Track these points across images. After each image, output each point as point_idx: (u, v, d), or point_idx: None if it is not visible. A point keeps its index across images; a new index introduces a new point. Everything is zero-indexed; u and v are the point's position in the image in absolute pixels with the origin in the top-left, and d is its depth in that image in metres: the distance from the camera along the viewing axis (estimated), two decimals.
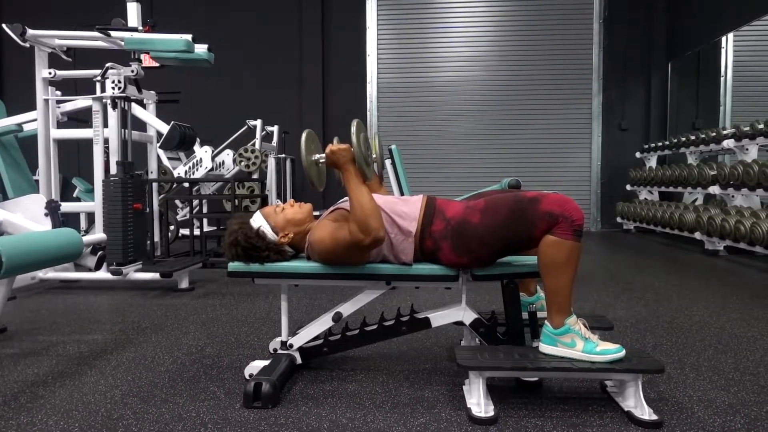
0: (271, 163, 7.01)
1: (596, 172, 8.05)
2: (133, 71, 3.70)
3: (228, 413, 1.74)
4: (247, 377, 1.99)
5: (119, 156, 3.71)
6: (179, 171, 6.32)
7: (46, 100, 3.76)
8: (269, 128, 7.29)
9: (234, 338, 2.57)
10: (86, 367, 2.19)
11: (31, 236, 1.99)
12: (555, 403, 1.79)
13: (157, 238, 5.26)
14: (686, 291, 3.56)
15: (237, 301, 3.36)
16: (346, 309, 2.05)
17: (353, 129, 1.88)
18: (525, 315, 2.04)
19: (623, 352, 1.72)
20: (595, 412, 1.72)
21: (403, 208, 1.95)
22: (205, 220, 5.37)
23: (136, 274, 3.70)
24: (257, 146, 6.84)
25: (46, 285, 3.80)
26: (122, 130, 3.72)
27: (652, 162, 7.23)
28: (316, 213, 2.16)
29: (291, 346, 2.07)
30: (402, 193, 3.81)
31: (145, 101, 5.17)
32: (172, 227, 5.61)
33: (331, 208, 2.05)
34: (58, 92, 4.40)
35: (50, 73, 3.70)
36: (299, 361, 2.07)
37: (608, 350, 1.72)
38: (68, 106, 4.80)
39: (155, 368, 2.17)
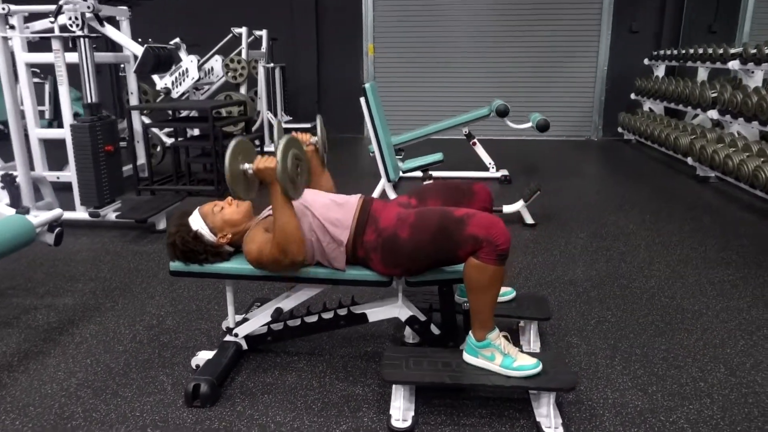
0: (261, 72, 6.79)
1: (602, 77, 7.70)
2: (89, 6, 3.49)
3: (169, 412, 1.88)
4: (194, 367, 2.12)
5: (85, 98, 3.62)
6: (165, 82, 6.16)
7: (4, 38, 3.60)
8: (257, 33, 6.96)
9: (195, 305, 2.68)
10: (51, 345, 2.33)
11: None
12: (475, 407, 1.90)
13: (142, 161, 5.29)
14: (657, 239, 3.57)
15: None
16: (287, 304, 2.12)
17: (280, 147, 1.80)
18: None
19: (539, 368, 1.79)
20: (509, 420, 1.83)
21: (336, 215, 1.94)
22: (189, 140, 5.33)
23: (114, 215, 3.78)
24: (243, 55, 6.59)
25: None
26: (85, 70, 3.59)
27: (660, 71, 6.86)
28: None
29: (237, 335, 2.17)
30: (377, 138, 3.73)
31: (117, 18, 4.93)
32: (159, 148, 5.60)
33: (267, 211, 2.04)
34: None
35: (3, 9, 3.50)
36: (245, 347, 2.19)
37: (525, 366, 1.79)
38: (37, 26, 4.60)
39: (114, 347, 2.30)
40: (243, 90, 6.69)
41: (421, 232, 1.81)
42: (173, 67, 6.13)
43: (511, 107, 4.99)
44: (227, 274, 2.03)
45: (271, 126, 6.93)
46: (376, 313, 2.09)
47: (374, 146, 3.79)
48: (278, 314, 2.09)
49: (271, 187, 1.83)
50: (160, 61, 4.78)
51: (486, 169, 5.25)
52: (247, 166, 1.87)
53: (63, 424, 1.83)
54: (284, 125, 6.86)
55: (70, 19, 3.52)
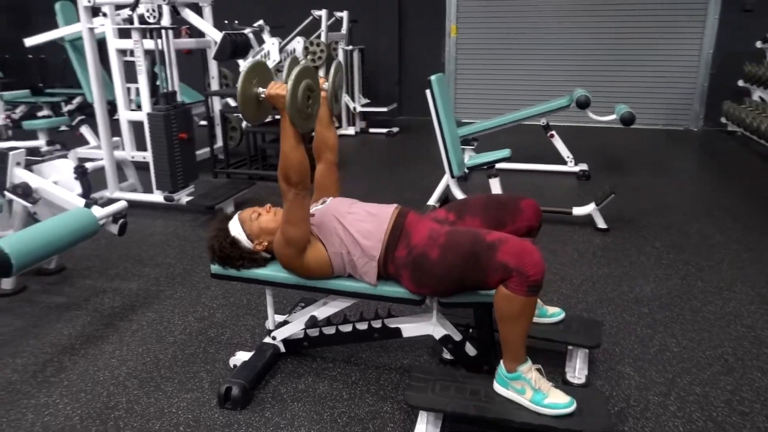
0: (340, 54, 6.80)
1: (706, 60, 7.02)
2: None
3: (202, 412, 1.95)
4: (232, 366, 2.18)
5: (161, 87, 3.78)
6: (246, 65, 6.32)
7: (91, 29, 3.82)
8: (338, 14, 6.95)
9: (246, 300, 2.76)
10: (111, 330, 2.49)
11: (40, 228, 2.19)
12: None
13: (220, 143, 5.49)
14: (745, 255, 3.22)
15: None
16: (322, 312, 2.11)
17: (292, 76, 1.71)
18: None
19: (572, 408, 1.67)
20: None
21: (368, 226, 1.90)
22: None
23: (186, 199, 3.96)
24: (323, 38, 6.61)
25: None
26: (162, 61, 3.74)
27: None
28: None
29: (275, 338, 2.21)
30: (441, 131, 3.61)
31: (200, 4, 5.09)
32: (237, 132, 5.78)
33: None
34: None
35: (89, 1, 3.70)
36: (283, 350, 2.22)
37: (556, 404, 1.68)
38: (124, 14, 4.83)
39: (165, 338, 2.42)
40: (321, 73, 6.73)
41: (450, 255, 1.73)
42: (255, 50, 6.30)
43: (598, 95, 4.68)
44: (263, 280, 2.05)
45: (348, 110, 6.95)
46: (411, 329, 2.04)
47: (438, 140, 3.68)
48: (312, 323, 2.10)
49: (281, 116, 1.79)
50: (237, 47, 4.90)
51: (564, 162, 4.98)
52: (260, 90, 1.82)
53: (107, 414, 1.95)
54: (360, 109, 6.86)
55: (147, 11, 3.67)
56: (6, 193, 2.64)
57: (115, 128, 4.24)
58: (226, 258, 2.03)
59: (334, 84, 2.12)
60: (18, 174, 2.68)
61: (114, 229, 2.61)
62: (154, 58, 4.12)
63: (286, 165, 1.78)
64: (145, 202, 4.10)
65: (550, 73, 7.49)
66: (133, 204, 4.14)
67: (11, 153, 2.66)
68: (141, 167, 4.40)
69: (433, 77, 3.59)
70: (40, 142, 4.09)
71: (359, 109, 6.87)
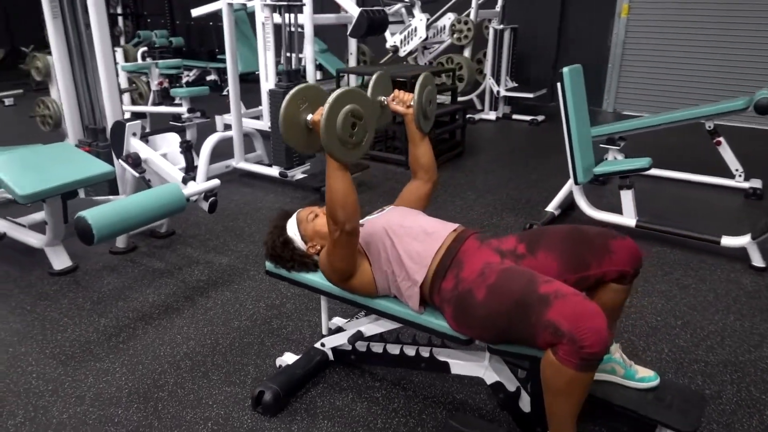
0: (491, 34, 6.39)
1: None
2: None
3: (234, 411, 1.91)
4: (277, 366, 2.11)
5: (284, 63, 3.81)
6: (394, 41, 6.23)
7: (229, 4, 3.95)
8: None
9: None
10: (188, 304, 2.57)
11: (125, 203, 2.29)
12: None
13: None
14: None
15: None
16: (369, 329, 1.94)
17: (328, 102, 1.49)
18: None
19: None
20: None
21: (418, 247, 1.67)
22: None
23: (300, 176, 4.00)
24: (472, 16, 6.26)
25: (238, 172, 4.39)
26: (286, 37, 3.75)
27: None
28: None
29: (324, 345, 2.09)
30: (569, 131, 3.18)
31: None
32: None
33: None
34: None
35: None
36: (332, 358, 2.10)
37: None
38: None
39: (231, 322, 2.43)
40: (467, 53, 6.41)
41: (497, 300, 1.44)
42: (405, 25, 6.16)
43: None
44: (311, 286, 1.92)
45: (492, 94, 6.55)
46: (460, 367, 1.79)
47: (565, 140, 3.25)
48: (355, 338, 1.94)
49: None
50: (374, 23, 4.79)
51: (730, 176, 4.17)
52: (309, 117, 1.65)
53: (152, 393, 1.99)
54: (504, 93, 6.43)
55: None
56: (120, 161, 2.82)
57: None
58: (278, 257, 1.93)
59: (420, 99, 1.91)
60: (133, 144, 2.85)
61: (204, 206, 2.67)
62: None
63: (331, 200, 1.59)
64: (264, 175, 4.21)
65: (729, 68, 6.34)
66: (253, 175, 4.31)
67: (128, 124, 2.83)
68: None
69: (566, 69, 3.15)
70: (182, 109, 4.38)
71: (503, 93, 6.44)
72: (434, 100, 2.03)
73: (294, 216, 1.97)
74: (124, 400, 1.96)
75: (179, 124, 4.65)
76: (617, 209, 3.31)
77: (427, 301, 1.69)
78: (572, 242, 1.64)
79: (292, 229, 1.93)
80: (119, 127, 2.86)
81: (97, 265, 2.93)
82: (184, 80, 8.26)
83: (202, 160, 4.18)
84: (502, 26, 6.33)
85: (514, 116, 6.55)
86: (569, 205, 3.54)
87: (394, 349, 1.93)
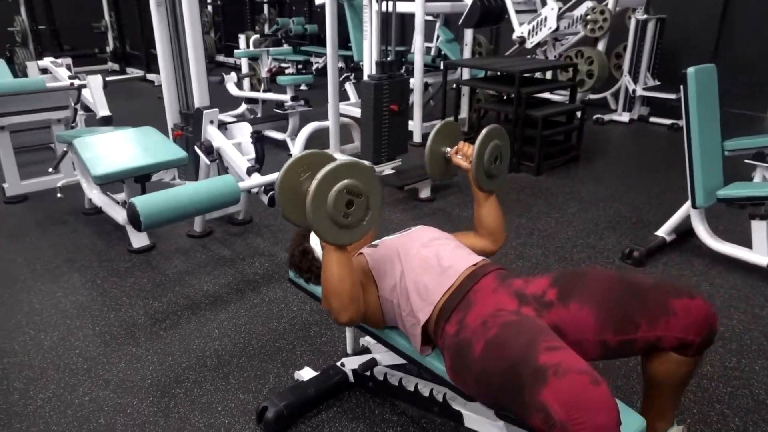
0: (633, 25, 5.70)
1: None
2: None
3: (238, 422, 1.81)
4: (295, 380, 1.98)
5: (378, 54, 3.65)
6: (521, 31, 5.81)
7: None
8: None
9: None
10: (236, 298, 2.54)
11: (177, 192, 2.28)
12: None
13: (464, 114, 5.22)
14: None
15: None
16: (385, 358, 1.74)
17: (316, 180, 1.29)
18: None
19: None
20: None
21: (428, 280, 1.43)
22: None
23: (388, 172, 3.84)
24: (610, 4, 5.61)
25: None
26: (381, 26, 3.58)
27: None
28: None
29: (344, 365, 1.93)
30: (690, 143, 2.66)
31: None
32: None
33: (379, 242, 1.65)
34: None
35: None
36: (352, 380, 1.93)
37: None
38: None
39: (271, 323, 2.35)
40: (601, 46, 5.76)
41: (492, 360, 1.17)
42: (536, 14, 5.70)
43: None
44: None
45: (627, 93, 5.85)
46: (473, 420, 1.52)
47: (685, 152, 2.73)
48: (366, 368, 1.74)
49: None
50: (488, 13, 4.46)
51: None
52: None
53: (170, 388, 1.97)
54: (642, 93, 5.70)
55: None
56: (195, 146, 2.87)
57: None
58: (296, 267, 1.79)
59: (482, 155, 1.67)
60: (209, 131, 2.89)
61: (264, 199, 2.61)
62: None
63: (324, 285, 1.41)
64: None
65: None
66: None
67: (205, 111, 2.86)
68: None
69: (691, 69, 2.63)
70: (286, 97, 4.42)
71: (640, 92, 5.72)
72: (504, 156, 1.76)
73: None
74: (143, 391, 1.96)
75: (282, 112, 4.73)
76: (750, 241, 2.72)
77: (431, 342, 1.45)
78: (619, 294, 1.29)
79: (315, 238, 1.78)
80: (198, 114, 2.90)
81: (171, 247, 3.03)
82: (314, 67, 8.49)
83: (296, 149, 4.20)
84: (646, 16, 5.60)
85: (652, 119, 5.79)
86: (686, 230, 2.99)
87: (409, 384, 1.70)
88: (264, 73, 4.96)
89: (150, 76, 7.47)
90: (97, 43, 9.15)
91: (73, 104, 3.70)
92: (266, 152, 4.69)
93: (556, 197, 3.74)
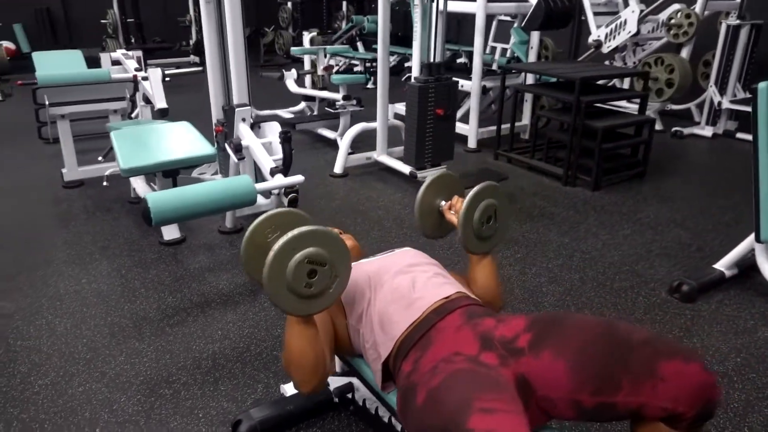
0: (723, 31, 5.19)
1: None
2: None
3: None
4: (281, 393, 1.91)
5: (425, 56, 3.51)
6: (598, 34, 5.46)
7: None
8: None
9: None
10: (250, 299, 2.51)
11: (191, 190, 2.27)
12: None
13: (525, 121, 4.98)
14: None
15: None
16: (359, 384, 1.62)
17: (274, 249, 1.18)
18: None
19: None
20: None
21: (393, 313, 1.31)
22: None
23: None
24: (698, 7, 5.14)
25: (378, 166, 4.25)
26: (428, 27, 3.44)
27: None
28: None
29: (328, 384, 1.83)
30: (756, 167, 2.35)
31: None
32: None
33: (379, 257, 1.54)
34: None
35: None
36: (336, 400, 1.83)
37: None
38: None
39: (275, 330, 2.29)
40: (685, 53, 5.30)
41: (428, 414, 1.03)
42: (616, 16, 5.33)
43: None
44: None
45: (712, 105, 5.34)
46: None
47: (752, 178, 2.42)
48: (340, 392, 1.63)
49: None
50: (554, 15, 4.19)
51: None
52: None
53: (159, 388, 1.95)
54: (728, 105, 5.18)
55: None
56: (225, 143, 2.87)
57: None
58: None
59: (469, 216, 1.52)
60: (240, 129, 2.88)
61: (284, 201, 2.56)
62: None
63: (286, 356, 1.31)
64: (400, 172, 4.00)
65: None
66: (392, 171, 4.12)
67: (237, 109, 2.85)
68: None
69: (762, 84, 2.31)
70: (338, 96, 4.38)
71: (726, 105, 5.20)
72: (501, 218, 1.60)
73: None
74: (134, 388, 1.96)
75: (333, 111, 4.69)
76: None
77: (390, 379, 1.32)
78: (601, 347, 1.11)
79: None
80: (231, 111, 2.90)
81: (200, 242, 3.06)
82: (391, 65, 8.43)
83: (341, 149, 4.14)
84: (739, 22, 5.08)
85: (739, 135, 5.25)
86: (750, 265, 2.64)
87: (385, 415, 1.58)
88: (320, 71, 4.94)
89: None
90: (182, 36, 9.58)
91: (129, 96, 3.83)
92: (318, 151, 4.73)
93: (609, 216, 3.45)
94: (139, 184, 3.42)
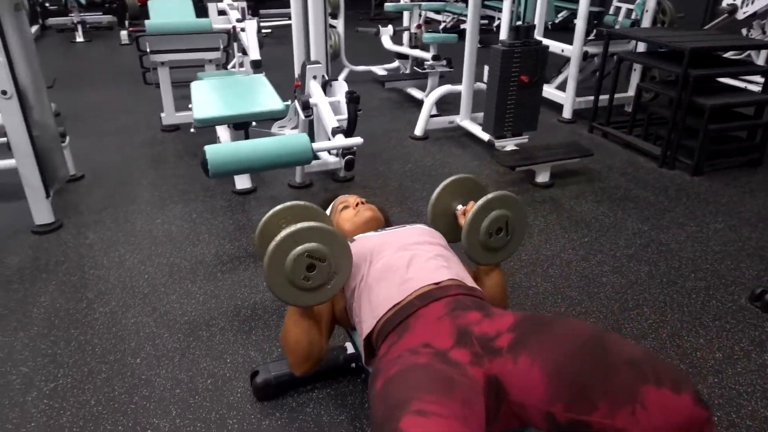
0: None
1: None
2: None
3: (236, 379, 1.85)
4: None
5: (514, 19, 3.28)
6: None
7: None
8: None
9: None
10: None
11: (248, 145, 2.32)
12: None
13: (631, 92, 4.56)
14: None
15: (551, 235, 2.85)
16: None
17: (273, 244, 1.24)
18: None
19: None
20: None
21: (382, 291, 1.29)
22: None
23: (510, 148, 3.55)
24: None
25: (460, 131, 4.11)
26: None
27: None
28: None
29: (346, 349, 1.85)
30: None
31: None
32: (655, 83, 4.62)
33: (376, 233, 1.51)
34: None
35: None
36: (353, 366, 1.85)
37: None
38: None
39: None
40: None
41: (377, 404, 1.01)
42: None
43: None
44: None
45: None
46: None
47: None
48: (347, 360, 1.64)
49: None
50: None
51: None
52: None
53: (197, 330, 2.08)
54: None
55: None
56: (295, 100, 2.91)
57: None
58: None
59: (476, 225, 1.44)
60: (311, 86, 2.90)
61: (341, 162, 2.57)
62: None
63: (283, 341, 1.40)
64: (480, 139, 3.85)
65: None
66: (473, 137, 3.98)
67: (308, 66, 2.87)
68: None
69: None
70: (427, 55, 4.26)
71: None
72: (515, 230, 1.49)
73: (335, 200, 1.73)
74: (177, 326, 2.11)
75: (421, 71, 4.58)
76: None
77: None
78: (584, 359, 1.02)
79: (328, 215, 1.70)
80: (303, 68, 2.92)
81: (269, 193, 3.17)
82: (495, 24, 8.08)
83: (423, 111, 4.06)
84: None
85: None
86: None
87: None
88: (413, 28, 4.81)
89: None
90: None
91: (222, 47, 3.99)
92: (404, 111, 4.67)
93: (704, 206, 3.10)
94: (222, 133, 3.58)
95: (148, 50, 3.79)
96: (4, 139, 2.68)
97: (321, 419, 1.71)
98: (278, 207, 1.44)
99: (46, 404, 1.76)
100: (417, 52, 4.71)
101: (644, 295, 2.33)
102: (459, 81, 4.03)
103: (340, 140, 2.54)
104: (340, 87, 2.93)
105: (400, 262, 1.31)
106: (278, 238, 1.23)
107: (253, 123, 3.06)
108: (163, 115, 4.09)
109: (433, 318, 1.17)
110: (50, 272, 2.43)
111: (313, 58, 3.10)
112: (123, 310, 2.19)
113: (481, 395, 1.02)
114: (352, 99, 2.72)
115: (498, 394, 1.06)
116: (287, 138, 2.45)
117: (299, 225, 1.25)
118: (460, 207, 1.58)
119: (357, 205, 1.63)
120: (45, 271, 2.44)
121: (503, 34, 3.62)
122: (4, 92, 2.45)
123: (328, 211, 1.73)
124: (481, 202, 1.43)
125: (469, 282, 1.31)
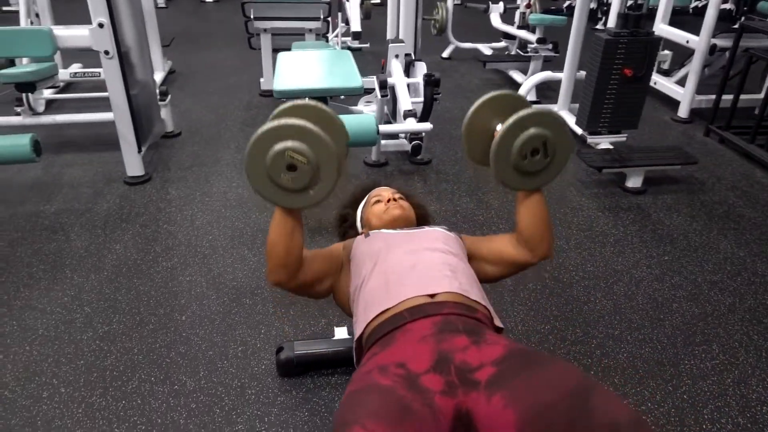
0: None
1: None
2: None
3: (264, 351, 1.91)
4: (332, 336, 1.97)
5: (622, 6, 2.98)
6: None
7: None
8: None
9: None
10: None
11: None
12: None
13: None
14: None
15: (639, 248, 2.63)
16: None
17: (254, 136, 1.20)
18: None
19: None
20: None
21: (376, 293, 1.26)
22: None
23: (604, 146, 3.29)
24: None
25: None
26: None
27: None
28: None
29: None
30: None
31: None
32: None
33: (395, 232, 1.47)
34: None
35: None
36: None
37: None
38: None
39: None
40: None
41: (336, 413, 1.00)
42: None
43: None
44: None
45: None
46: None
47: None
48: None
49: None
50: None
51: None
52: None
53: (242, 298, 2.17)
54: None
55: None
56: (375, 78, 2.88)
57: None
58: (336, 231, 1.74)
59: (507, 146, 1.30)
60: (392, 66, 2.85)
61: (407, 147, 2.53)
62: None
63: (267, 250, 1.37)
64: (574, 132, 3.60)
65: None
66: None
67: (390, 45, 2.82)
68: None
69: None
70: (532, 37, 4.02)
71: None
72: (555, 149, 1.32)
73: (372, 191, 1.70)
74: (225, 291, 2.21)
75: (524, 54, 4.33)
76: None
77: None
78: (560, 412, 0.93)
79: (362, 205, 1.68)
80: (387, 46, 2.87)
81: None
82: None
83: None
84: None
85: None
86: None
87: None
88: (522, 7, 4.55)
89: None
90: None
91: (323, 17, 4.03)
92: None
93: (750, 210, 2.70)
94: None
95: (252, 17, 3.92)
96: (107, 93, 2.91)
97: (332, 405, 1.73)
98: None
99: (97, 345, 1.93)
100: (523, 33, 4.46)
101: (718, 330, 2.08)
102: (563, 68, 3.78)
103: (408, 124, 2.49)
104: (420, 69, 2.86)
105: (403, 266, 1.27)
106: (263, 128, 1.19)
107: (341, 96, 3.09)
108: (262, 80, 4.24)
109: (417, 336, 1.11)
110: (130, 222, 2.64)
111: (401, 35, 3.04)
112: (182, 267, 2.33)
113: (444, 427, 0.96)
114: (430, 82, 2.65)
115: (469, 428, 0.99)
116: (354, 117, 2.45)
117: (287, 120, 1.20)
118: (500, 126, 1.36)
119: (389, 201, 1.59)
120: (126, 220, 2.65)
121: (611, 21, 3.30)
122: (107, 52, 2.65)
123: (363, 202, 1.70)
124: (512, 118, 1.27)
125: (473, 295, 1.23)
